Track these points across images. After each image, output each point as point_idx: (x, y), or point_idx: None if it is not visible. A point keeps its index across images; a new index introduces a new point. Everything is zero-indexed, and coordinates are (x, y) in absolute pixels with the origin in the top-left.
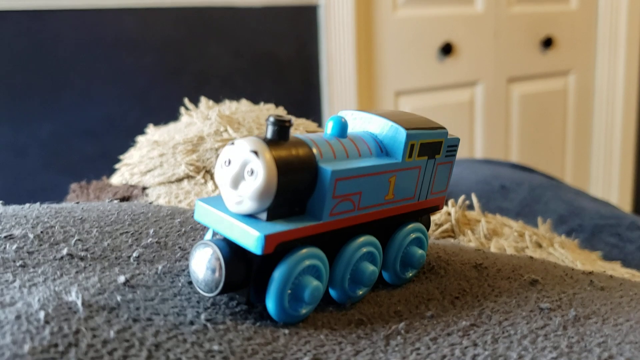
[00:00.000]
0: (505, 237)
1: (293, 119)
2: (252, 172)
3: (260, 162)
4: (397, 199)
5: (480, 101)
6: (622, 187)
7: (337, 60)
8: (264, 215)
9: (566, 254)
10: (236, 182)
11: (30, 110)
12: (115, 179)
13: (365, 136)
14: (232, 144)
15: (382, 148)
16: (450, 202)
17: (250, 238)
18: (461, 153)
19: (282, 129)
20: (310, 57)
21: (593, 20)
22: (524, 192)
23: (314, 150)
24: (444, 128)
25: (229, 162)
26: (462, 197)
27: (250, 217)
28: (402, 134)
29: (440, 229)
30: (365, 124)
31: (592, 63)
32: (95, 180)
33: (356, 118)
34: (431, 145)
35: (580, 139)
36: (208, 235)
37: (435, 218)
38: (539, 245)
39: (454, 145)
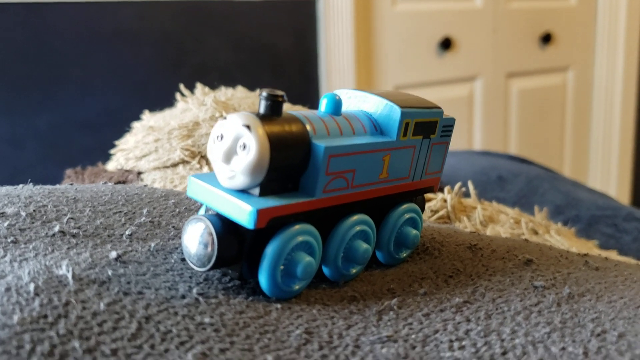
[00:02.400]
0: (502, 224)
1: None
2: (244, 147)
3: (253, 137)
4: (392, 178)
5: (479, 96)
6: (620, 183)
7: (336, 54)
8: (256, 191)
9: (562, 240)
10: (228, 156)
11: (29, 102)
12: (111, 165)
13: (359, 114)
14: (225, 118)
15: (376, 127)
16: (446, 188)
17: (243, 212)
18: (460, 147)
19: (275, 103)
20: (308, 51)
21: (592, 16)
22: (521, 183)
23: (307, 127)
24: (439, 108)
25: (221, 137)
26: (458, 184)
27: (243, 192)
28: (396, 112)
29: (435, 215)
30: (360, 103)
31: (591, 59)
32: (90, 166)
33: (351, 97)
34: (426, 125)
35: (578, 134)
36: (201, 212)
37: (430, 204)
38: (535, 232)
39: (449, 125)
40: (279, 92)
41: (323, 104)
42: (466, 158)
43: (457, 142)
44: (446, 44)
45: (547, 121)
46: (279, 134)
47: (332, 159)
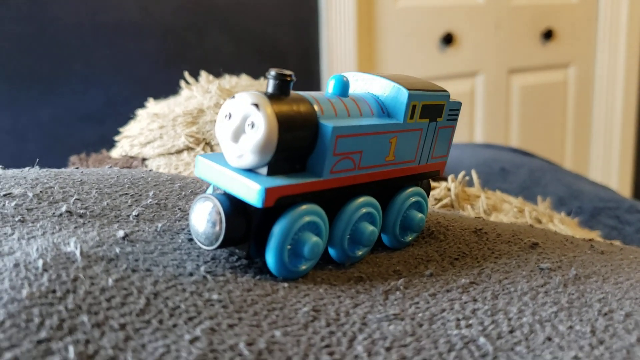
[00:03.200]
0: (505, 213)
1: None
2: (252, 125)
3: (262, 115)
4: (398, 160)
5: (481, 92)
6: (621, 179)
7: (338, 49)
8: (264, 170)
9: (566, 229)
10: (237, 135)
11: (31, 94)
12: (115, 152)
13: (367, 97)
14: (233, 97)
15: (383, 109)
16: (450, 177)
17: (251, 191)
18: (461, 141)
19: (283, 82)
20: (311, 46)
21: (593, 12)
22: (523, 174)
23: (315, 107)
24: (446, 91)
25: (230, 116)
26: (462, 173)
27: (251, 172)
28: (404, 94)
29: (439, 204)
30: (367, 86)
31: (593, 56)
32: (94, 153)
33: (358, 79)
34: (433, 108)
35: (579, 131)
36: (209, 191)
37: (434, 193)
38: (539, 221)
39: (455, 109)
40: (288, 72)
41: (330, 85)
42: (469, 150)
43: (458, 138)
44: (448, 40)
45: (549, 117)
46: (287, 114)
47: (339, 140)
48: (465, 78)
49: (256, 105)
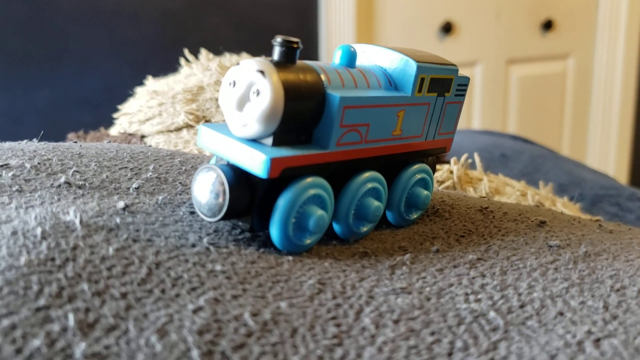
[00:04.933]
0: (508, 196)
1: None
2: (258, 93)
3: (267, 82)
4: (405, 135)
5: (479, 82)
6: (618, 171)
7: (337, 37)
8: (269, 141)
9: (569, 213)
10: (241, 103)
11: (28, 78)
12: (114, 130)
13: (374, 69)
14: (238, 64)
15: (391, 82)
16: (452, 159)
17: (256, 161)
18: (460, 129)
19: (289, 50)
20: (309, 32)
21: (593, 4)
22: (524, 161)
23: (322, 77)
24: (454, 65)
25: (234, 84)
26: (464, 155)
27: (255, 142)
28: (412, 66)
29: (442, 186)
30: (375, 58)
31: (592, 47)
32: (92, 131)
33: (365, 51)
34: (441, 82)
35: (577, 122)
36: (212, 162)
37: (437, 175)
38: (542, 205)
39: (464, 84)
40: (294, 39)
41: (337, 55)
42: (469, 136)
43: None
44: (447, 29)
45: (547, 108)
46: (293, 82)
47: (346, 111)
48: (464, 68)
49: (262, 72)
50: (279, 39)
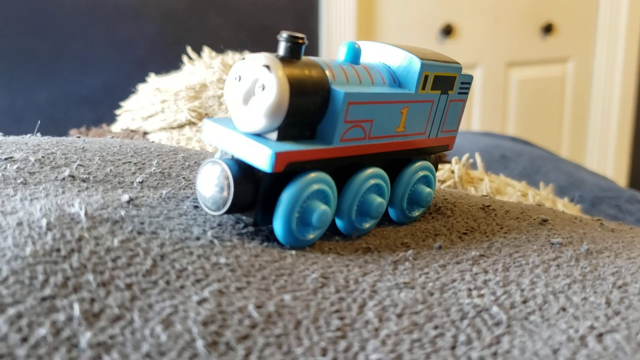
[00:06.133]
0: (509, 196)
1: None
2: (263, 88)
3: (273, 77)
4: (408, 132)
5: (479, 84)
6: (617, 175)
7: (337, 38)
8: (273, 135)
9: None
10: (247, 98)
11: (28, 76)
12: (116, 127)
13: (379, 66)
14: (244, 59)
15: (395, 79)
16: (453, 159)
17: (261, 155)
18: (460, 130)
19: (295, 45)
20: (310, 33)
21: (594, 7)
22: (524, 162)
23: (327, 73)
24: (458, 63)
25: (240, 78)
26: (466, 155)
27: (260, 136)
28: (416, 63)
29: (443, 185)
30: (379, 55)
31: (592, 51)
32: (94, 127)
33: (369, 48)
34: (445, 79)
35: (576, 126)
36: (217, 156)
37: (438, 174)
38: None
39: (467, 82)
40: (300, 34)
41: (342, 52)
42: (469, 137)
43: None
44: (447, 31)
45: (546, 112)
46: (298, 77)
47: (351, 106)
48: (464, 70)
49: (267, 67)
50: (284, 34)
